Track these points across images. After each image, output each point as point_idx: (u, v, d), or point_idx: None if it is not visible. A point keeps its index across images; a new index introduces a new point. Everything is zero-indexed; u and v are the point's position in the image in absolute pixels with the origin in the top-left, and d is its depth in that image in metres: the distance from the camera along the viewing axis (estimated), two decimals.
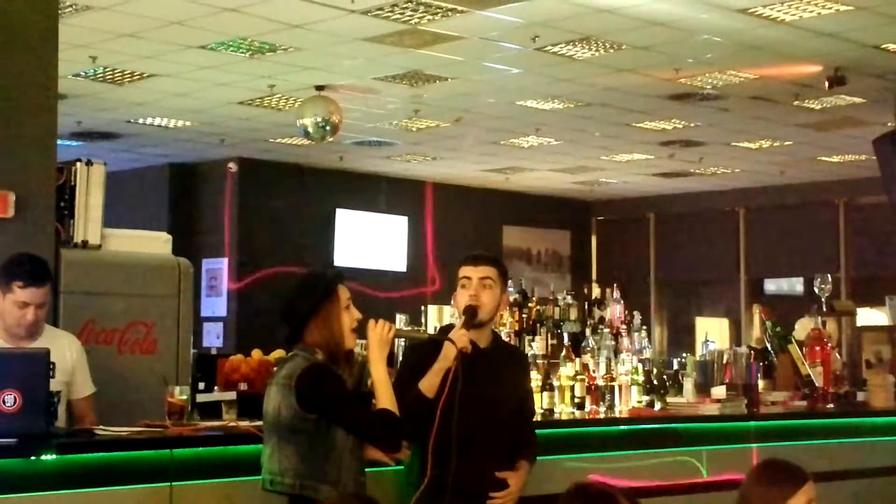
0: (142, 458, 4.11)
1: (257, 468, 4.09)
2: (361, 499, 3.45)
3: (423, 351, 4.35)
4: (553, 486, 4.74)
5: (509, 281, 4.98)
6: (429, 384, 4.19)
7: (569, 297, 6.60)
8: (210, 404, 5.34)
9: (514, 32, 8.83)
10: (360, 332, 4.15)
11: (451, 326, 4.54)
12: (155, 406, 4.66)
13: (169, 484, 4.05)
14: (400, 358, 5.29)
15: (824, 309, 7.32)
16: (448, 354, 4.21)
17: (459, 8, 8.21)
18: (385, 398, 3.99)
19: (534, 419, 4.80)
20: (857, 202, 15.39)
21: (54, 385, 4.59)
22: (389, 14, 8.35)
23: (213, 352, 10.55)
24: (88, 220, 5.39)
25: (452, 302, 5.59)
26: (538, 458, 4.58)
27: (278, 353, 5.97)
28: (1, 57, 5.28)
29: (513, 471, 4.39)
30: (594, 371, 5.97)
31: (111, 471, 4.04)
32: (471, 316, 4.33)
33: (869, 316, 11.41)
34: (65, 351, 4.71)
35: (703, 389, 6.41)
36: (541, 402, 5.62)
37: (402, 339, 5.21)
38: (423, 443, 4.19)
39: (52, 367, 4.56)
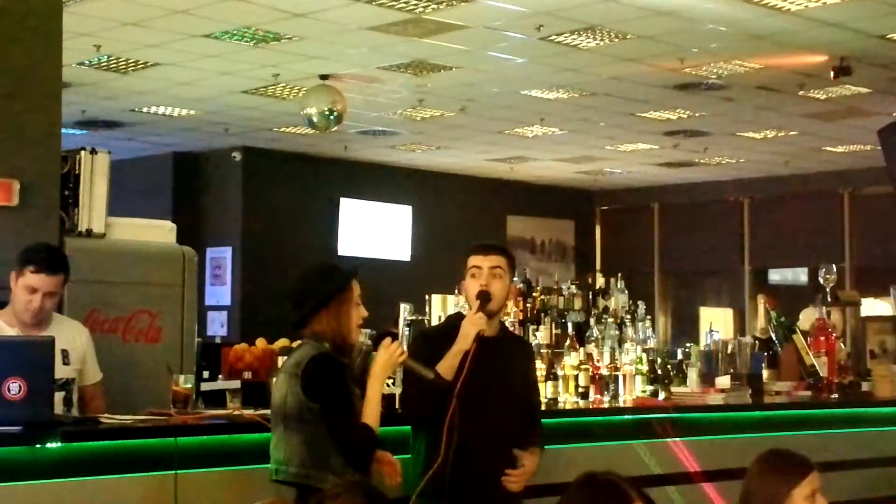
0: (146, 446, 4.11)
1: (262, 457, 4.09)
2: (364, 487, 3.45)
3: (432, 344, 4.34)
4: (557, 475, 4.75)
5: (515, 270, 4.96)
6: (448, 366, 4.18)
7: (573, 286, 6.59)
8: (214, 393, 5.35)
9: (518, 21, 8.82)
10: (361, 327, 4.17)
11: (458, 315, 4.54)
12: (159, 394, 4.67)
13: (173, 472, 4.05)
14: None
15: (829, 299, 7.32)
16: (467, 335, 4.21)
17: None
18: (371, 415, 3.96)
19: (540, 408, 4.80)
20: (862, 192, 15.38)
21: (68, 372, 4.64)
22: (394, 3, 8.34)
23: (218, 340, 10.54)
24: (93, 209, 5.39)
25: (457, 291, 5.59)
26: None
27: (283, 342, 5.98)
28: (5, 45, 5.28)
29: (528, 453, 4.38)
30: (598, 361, 5.97)
31: (116, 459, 4.04)
32: (485, 300, 4.31)
33: (873, 306, 11.40)
34: (76, 338, 4.73)
35: (707, 379, 6.41)
36: (545, 391, 5.62)
37: (405, 339, 5.22)
38: (435, 428, 4.18)
39: (65, 354, 4.62)
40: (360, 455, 3.93)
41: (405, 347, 5.32)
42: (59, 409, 4.52)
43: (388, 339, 4.07)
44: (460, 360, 4.20)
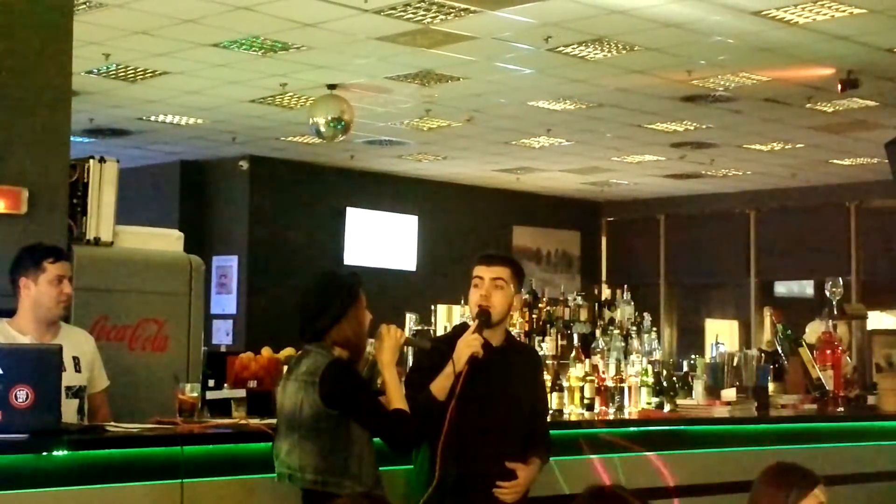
0: (152, 454, 4.12)
1: (267, 465, 4.11)
2: (372, 498, 3.46)
3: (436, 352, 4.35)
4: (562, 486, 4.76)
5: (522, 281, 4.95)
6: (440, 387, 4.20)
7: (579, 297, 6.59)
8: (220, 402, 5.33)
9: (526, 33, 8.83)
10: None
11: (464, 325, 4.55)
12: (165, 403, 4.67)
13: (179, 481, 4.06)
14: (410, 358, 5.30)
15: (835, 312, 7.30)
16: (460, 357, 4.22)
17: (472, 8, 8.22)
18: (397, 399, 4.05)
19: (547, 419, 4.79)
20: (869, 205, 15.37)
21: (81, 379, 4.67)
22: (402, 13, 8.36)
23: (223, 349, 10.54)
24: (101, 217, 5.39)
25: (463, 301, 5.59)
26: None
27: (288, 351, 5.97)
28: (15, 53, 5.29)
29: (523, 464, 4.38)
30: (604, 372, 5.97)
31: (122, 467, 4.05)
32: (485, 319, 4.32)
33: (879, 319, 11.40)
34: (84, 346, 4.75)
35: (712, 391, 6.40)
36: (550, 402, 5.61)
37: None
38: (432, 442, 4.20)
39: (77, 361, 4.64)
40: (404, 439, 4.06)
41: (409, 355, 5.38)
42: (73, 416, 4.54)
43: (384, 326, 4.17)
44: (453, 381, 4.20)
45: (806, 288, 16.40)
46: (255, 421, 4.53)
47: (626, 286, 6.80)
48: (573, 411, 5.78)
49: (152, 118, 12.13)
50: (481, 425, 4.26)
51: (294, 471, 3.99)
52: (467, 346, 4.24)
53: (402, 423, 4.01)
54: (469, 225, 15.77)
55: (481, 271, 4.40)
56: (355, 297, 4.10)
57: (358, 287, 4.13)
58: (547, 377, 5.65)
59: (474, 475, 4.25)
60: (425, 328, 6.43)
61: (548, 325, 6.26)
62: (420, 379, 4.31)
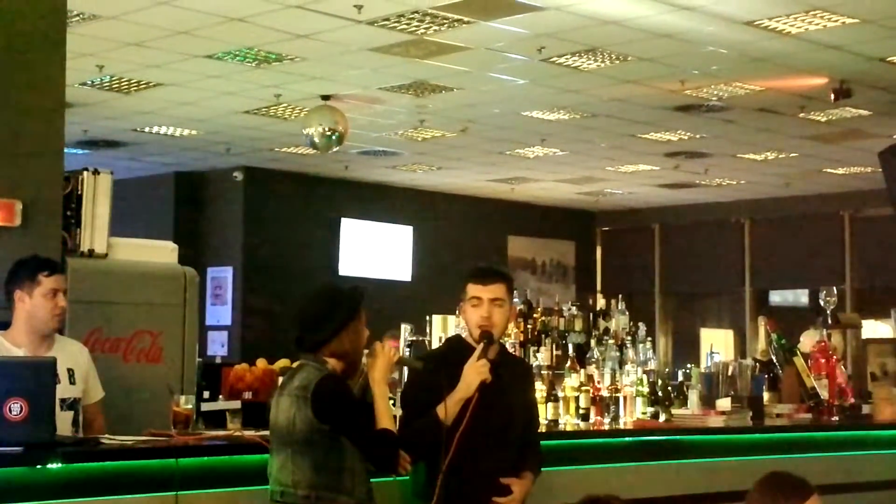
0: (147, 467, 4.11)
1: (262, 477, 4.09)
2: None
3: (429, 371, 4.34)
4: (557, 497, 4.75)
5: (514, 291, 4.96)
6: (449, 414, 4.17)
7: (574, 307, 6.58)
8: (215, 413, 5.33)
9: (520, 43, 8.85)
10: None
11: (457, 338, 4.55)
12: (160, 415, 4.67)
13: (174, 493, 4.05)
14: (405, 373, 5.28)
15: (829, 321, 7.31)
16: (469, 385, 4.22)
17: (465, 19, 8.24)
18: (386, 418, 4.02)
19: (539, 431, 4.79)
20: (863, 214, 15.40)
21: (74, 392, 4.66)
22: (396, 24, 8.38)
23: (218, 360, 10.53)
24: (95, 229, 5.39)
25: (457, 312, 5.58)
26: (542, 469, 4.57)
27: (283, 362, 5.97)
28: (8, 65, 5.29)
29: (517, 479, 4.38)
30: (599, 382, 5.96)
31: (116, 480, 4.04)
32: (488, 342, 4.31)
33: (874, 328, 11.40)
34: (78, 357, 4.75)
35: (708, 401, 6.40)
36: (545, 412, 5.61)
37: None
38: (432, 462, 4.18)
39: (71, 374, 4.64)
40: (388, 460, 4.01)
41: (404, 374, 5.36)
42: (67, 429, 4.53)
43: (378, 343, 4.15)
44: (462, 406, 4.19)
45: (800, 297, 16.42)
46: (250, 433, 4.52)
47: (620, 296, 6.78)
48: (568, 422, 5.78)
49: (146, 129, 12.13)
50: (477, 438, 4.24)
51: (286, 487, 3.96)
52: (477, 373, 4.24)
53: (386, 443, 3.98)
54: (464, 235, 15.78)
55: (478, 291, 4.35)
56: (357, 311, 4.09)
57: (360, 302, 4.12)
58: (542, 387, 5.65)
59: (472, 489, 4.24)
60: (420, 339, 6.42)
61: (543, 336, 6.24)
62: (414, 397, 4.31)
